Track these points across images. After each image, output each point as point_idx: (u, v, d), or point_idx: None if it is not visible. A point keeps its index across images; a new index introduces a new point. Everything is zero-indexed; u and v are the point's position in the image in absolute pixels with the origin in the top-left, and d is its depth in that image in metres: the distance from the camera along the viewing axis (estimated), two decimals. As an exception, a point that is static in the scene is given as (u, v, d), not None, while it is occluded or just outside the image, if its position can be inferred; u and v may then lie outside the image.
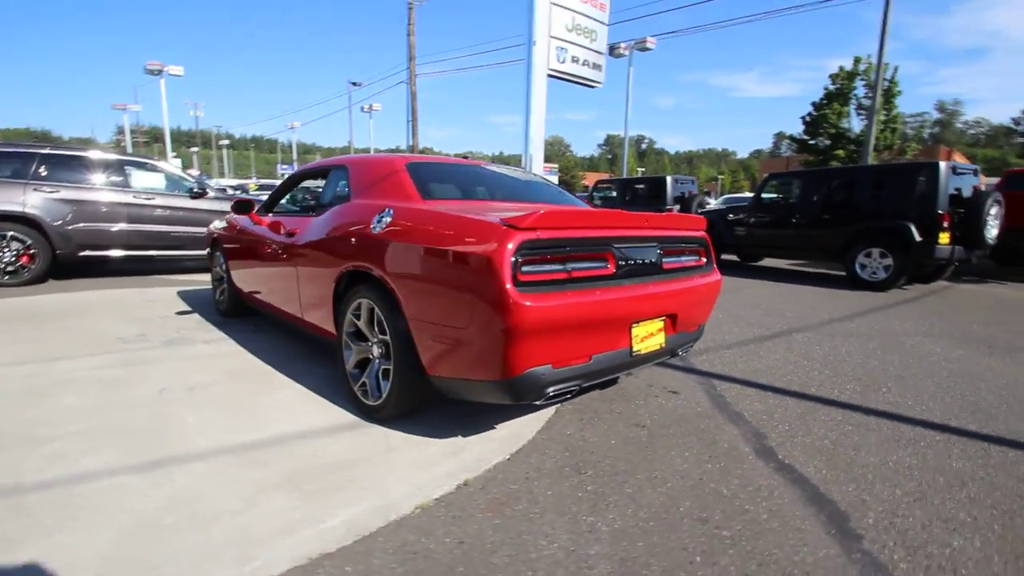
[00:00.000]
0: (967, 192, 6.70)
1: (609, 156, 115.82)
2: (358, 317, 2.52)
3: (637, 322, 2.24)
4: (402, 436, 2.32)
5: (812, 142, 28.13)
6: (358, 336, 2.59)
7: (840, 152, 26.63)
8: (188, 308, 4.79)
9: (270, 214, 3.64)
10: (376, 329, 2.40)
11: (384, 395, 2.35)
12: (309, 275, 2.88)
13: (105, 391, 2.73)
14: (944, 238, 6.32)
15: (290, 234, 3.09)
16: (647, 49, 18.59)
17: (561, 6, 12.80)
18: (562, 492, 1.94)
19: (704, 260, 2.74)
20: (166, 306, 4.85)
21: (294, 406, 2.62)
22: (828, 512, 1.84)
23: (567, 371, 2.01)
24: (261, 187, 24.25)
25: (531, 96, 15.75)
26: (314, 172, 3.55)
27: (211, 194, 6.90)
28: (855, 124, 26.99)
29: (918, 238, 6.41)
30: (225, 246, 4.18)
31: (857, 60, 27.06)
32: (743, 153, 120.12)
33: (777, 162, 43.69)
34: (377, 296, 2.34)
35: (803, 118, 28.94)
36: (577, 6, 13.51)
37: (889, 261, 6.70)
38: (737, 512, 1.83)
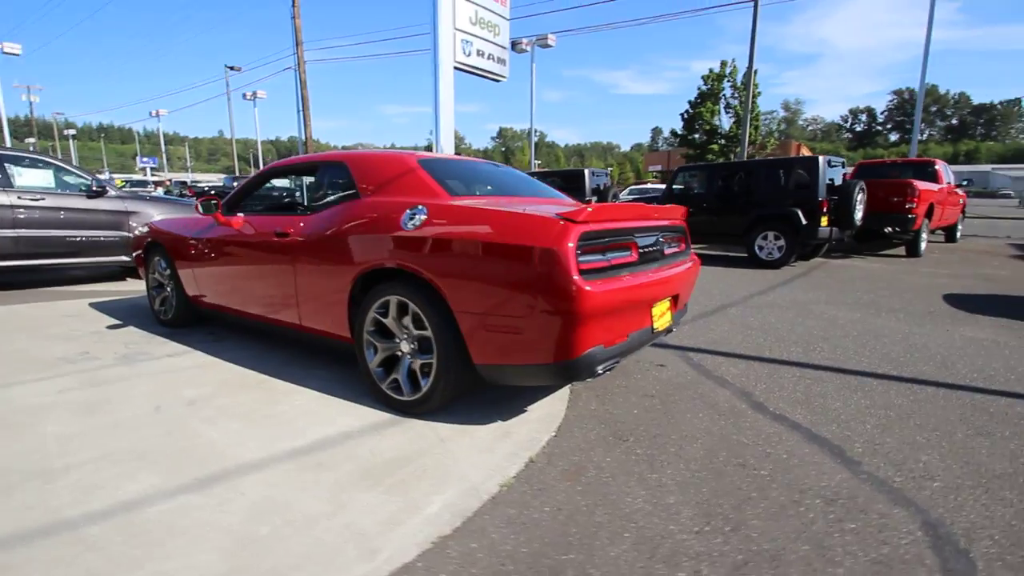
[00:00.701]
0: (838, 182, 7.97)
1: (503, 149, 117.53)
2: (384, 315, 2.53)
3: (655, 303, 2.52)
4: (447, 427, 2.39)
5: (691, 137, 31.11)
6: (382, 334, 2.60)
7: (714, 146, 29.76)
8: (117, 321, 4.29)
9: (239, 213, 3.41)
10: (411, 325, 2.43)
11: (425, 388, 2.40)
12: (314, 276, 2.80)
13: (89, 415, 2.46)
14: (824, 221, 7.47)
15: (281, 234, 2.96)
16: (548, 46, 19.30)
17: (464, -2, 12.85)
18: (618, 458, 2.17)
19: (685, 246, 3.09)
20: (87, 321, 4.29)
21: (318, 410, 2.56)
22: (827, 448, 2.26)
23: (613, 349, 2.23)
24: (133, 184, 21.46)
25: (439, 88, 15.72)
26: (293, 169, 3.38)
27: (112, 193, 6.13)
28: (725, 122, 30.23)
29: (804, 222, 7.51)
30: (174, 249, 3.81)
31: (723, 64, 30.27)
32: (625, 146, 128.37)
33: (659, 156, 47.37)
34: (413, 292, 2.37)
35: (682, 115, 31.85)
36: (479, -1, 13.63)
37: (782, 242, 7.78)
38: (763, 455, 2.19)
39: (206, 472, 1.97)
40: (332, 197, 2.95)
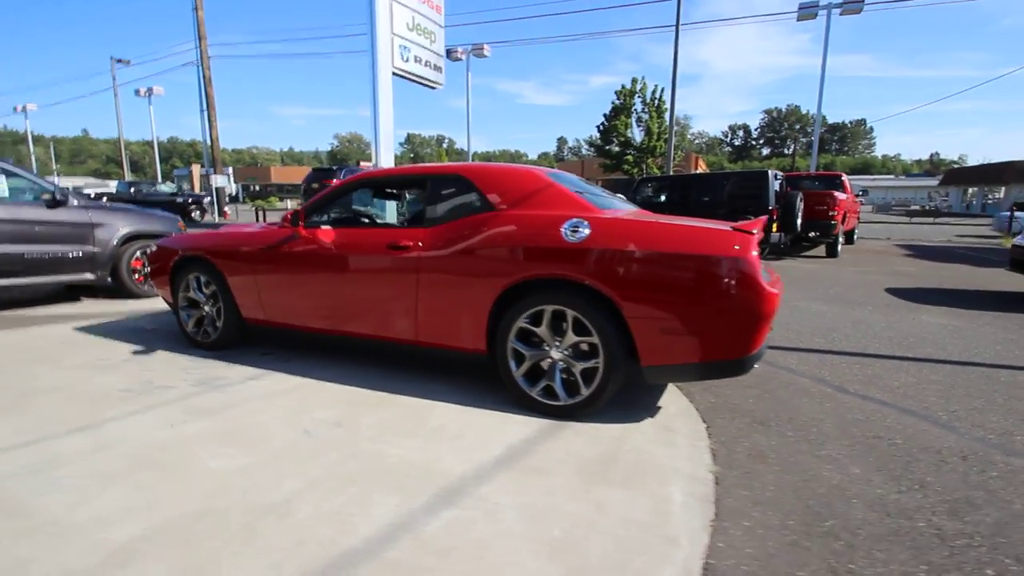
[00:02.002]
0: (780, 192, 9.05)
1: (411, 155, 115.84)
2: (536, 324, 2.62)
3: None
4: (608, 427, 2.54)
5: (607, 148, 32.97)
6: (529, 344, 2.69)
7: (629, 157, 31.80)
8: (137, 346, 3.86)
9: (325, 226, 3.27)
10: (571, 332, 2.56)
11: (589, 392, 2.54)
12: (446, 289, 2.80)
13: (240, 445, 2.29)
14: (774, 227, 8.46)
15: (396, 247, 2.92)
16: (483, 55, 19.59)
17: (401, 3, 12.88)
18: (780, 441, 2.46)
19: None
20: (99, 348, 3.82)
21: (475, 421, 2.58)
22: (922, 418, 2.72)
23: (764, 346, 2.53)
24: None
25: (378, 94, 15.49)
26: (387, 182, 3.30)
27: (75, 203, 5.41)
28: (637, 134, 32.36)
29: (757, 228, 8.46)
30: (228, 265, 3.54)
31: (634, 81, 32.41)
32: (533, 155, 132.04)
33: (573, 165, 49.45)
34: (574, 301, 2.50)
35: (598, 127, 33.65)
36: (416, 5, 13.70)
37: (738, 246, 8.68)
38: (889, 428, 2.59)
39: (438, 487, 1.97)
40: (450, 209, 2.95)
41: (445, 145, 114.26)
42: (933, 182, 52.19)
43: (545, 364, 2.69)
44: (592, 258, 2.46)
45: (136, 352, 3.73)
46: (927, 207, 40.51)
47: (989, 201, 39.80)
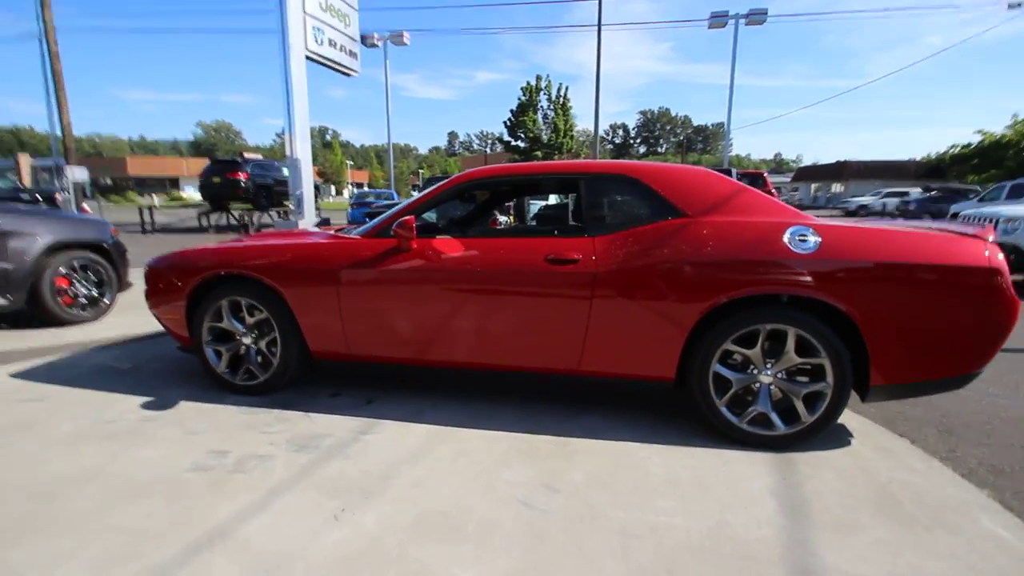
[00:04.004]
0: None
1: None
2: (749, 346, 2.31)
3: None
4: (838, 454, 2.31)
5: (515, 144, 33.10)
6: (732, 367, 2.38)
7: (538, 153, 32.22)
8: (142, 397, 2.88)
9: (443, 236, 2.63)
10: (793, 353, 2.28)
11: (813, 419, 2.28)
12: (632, 308, 2.36)
13: (463, 541, 1.70)
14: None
15: (559, 261, 2.41)
16: (403, 43, 18.39)
17: (314, -21, 11.71)
18: (984, 451, 2.40)
19: None
20: (88, 404, 2.77)
21: (693, 463, 2.20)
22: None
23: None
24: None
25: (291, 79, 14.16)
26: (518, 181, 2.71)
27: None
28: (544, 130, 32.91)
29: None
30: (294, 288, 2.73)
31: (539, 79, 32.91)
32: (423, 149, 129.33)
33: (475, 159, 49.14)
34: (802, 319, 2.23)
35: (505, 123, 33.66)
36: (329, -18, 12.54)
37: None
38: (1051, 426, 2.67)
39: (777, 565, 1.59)
40: (622, 216, 2.50)
41: (329, 136, 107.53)
42: (786, 179, 59.82)
43: (753, 389, 2.38)
44: (826, 271, 2.19)
45: (148, 405, 2.77)
46: (789, 201, 46.48)
47: (830, 195, 46.57)
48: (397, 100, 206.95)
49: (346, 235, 2.88)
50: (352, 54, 15.94)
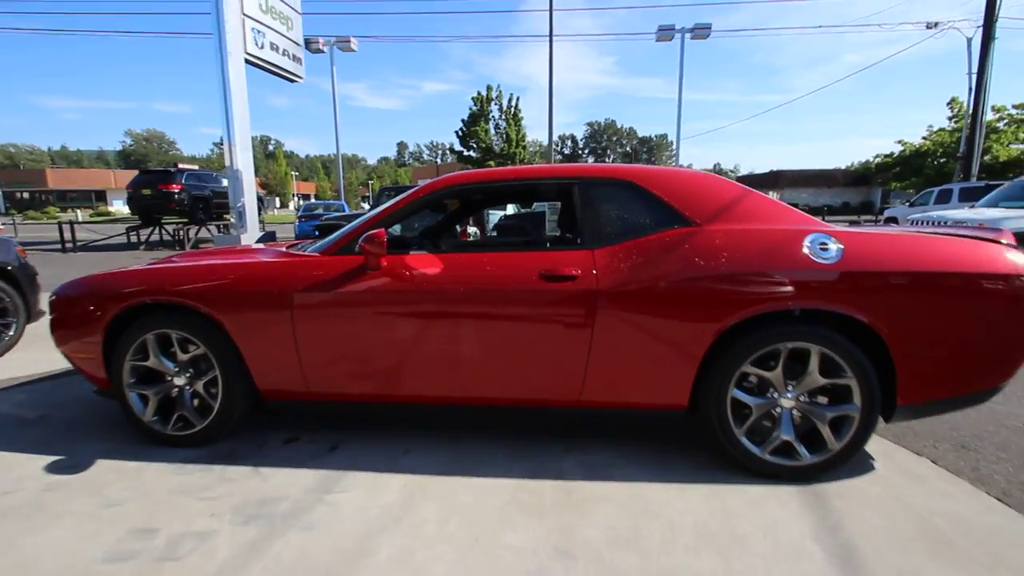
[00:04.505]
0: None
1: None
2: (769, 368, 2.08)
3: None
4: (863, 481, 2.10)
5: (467, 154, 32.81)
6: (750, 390, 2.14)
7: (491, 163, 32.04)
8: (47, 456, 2.34)
9: (418, 251, 2.27)
10: (817, 373, 2.06)
11: (843, 443, 2.07)
12: (641, 329, 2.08)
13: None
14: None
15: (555, 277, 2.10)
16: (351, 49, 17.73)
17: (251, -22, 11.19)
18: (1011, 465, 2.27)
19: None
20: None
21: (718, 506, 1.93)
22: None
23: None
24: None
25: (229, 83, 13.42)
26: (502, 188, 2.37)
27: None
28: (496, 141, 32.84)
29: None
30: (237, 312, 2.28)
31: (489, 88, 32.87)
32: (372, 160, 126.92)
33: (426, 170, 48.56)
34: (827, 335, 2.02)
35: (457, 132, 33.38)
36: (269, -17, 12.05)
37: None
38: (1058, 434, 2.58)
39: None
40: (622, 225, 2.21)
41: (272, 147, 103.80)
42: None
43: (773, 415, 2.15)
44: (852, 282, 1.99)
45: (55, 467, 2.24)
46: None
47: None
48: (344, 110, 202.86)
49: (300, 252, 2.46)
50: (296, 59, 15.21)
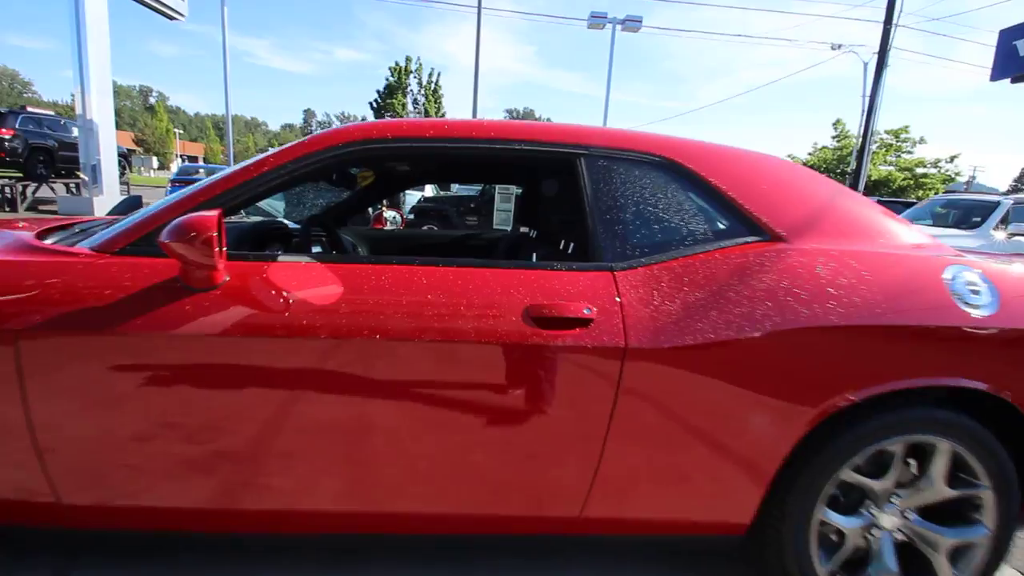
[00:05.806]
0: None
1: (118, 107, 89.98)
2: (875, 473, 1.32)
3: None
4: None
5: (381, 127, 30.72)
6: (837, 507, 1.37)
7: (408, 139, 30.21)
8: None
9: (286, 256, 1.22)
10: (939, 482, 1.33)
11: (966, 583, 1.37)
12: (686, 412, 1.22)
13: None
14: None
15: (552, 319, 1.18)
16: (247, -9, 15.14)
17: None
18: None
19: None
20: None
21: None
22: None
23: None
24: None
25: (82, 11, 11.42)
26: (450, 152, 1.34)
27: None
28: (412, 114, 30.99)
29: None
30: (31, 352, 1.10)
31: (408, 60, 30.85)
32: (274, 125, 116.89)
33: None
34: (960, 425, 1.29)
35: (371, 104, 31.02)
36: None
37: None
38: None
39: None
40: (662, 233, 1.31)
41: (154, 100, 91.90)
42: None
43: (867, 541, 1.39)
44: (1010, 345, 1.27)
45: None
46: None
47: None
48: (242, 67, 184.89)
49: (63, 246, 1.30)
50: (179, -9, 12.86)
